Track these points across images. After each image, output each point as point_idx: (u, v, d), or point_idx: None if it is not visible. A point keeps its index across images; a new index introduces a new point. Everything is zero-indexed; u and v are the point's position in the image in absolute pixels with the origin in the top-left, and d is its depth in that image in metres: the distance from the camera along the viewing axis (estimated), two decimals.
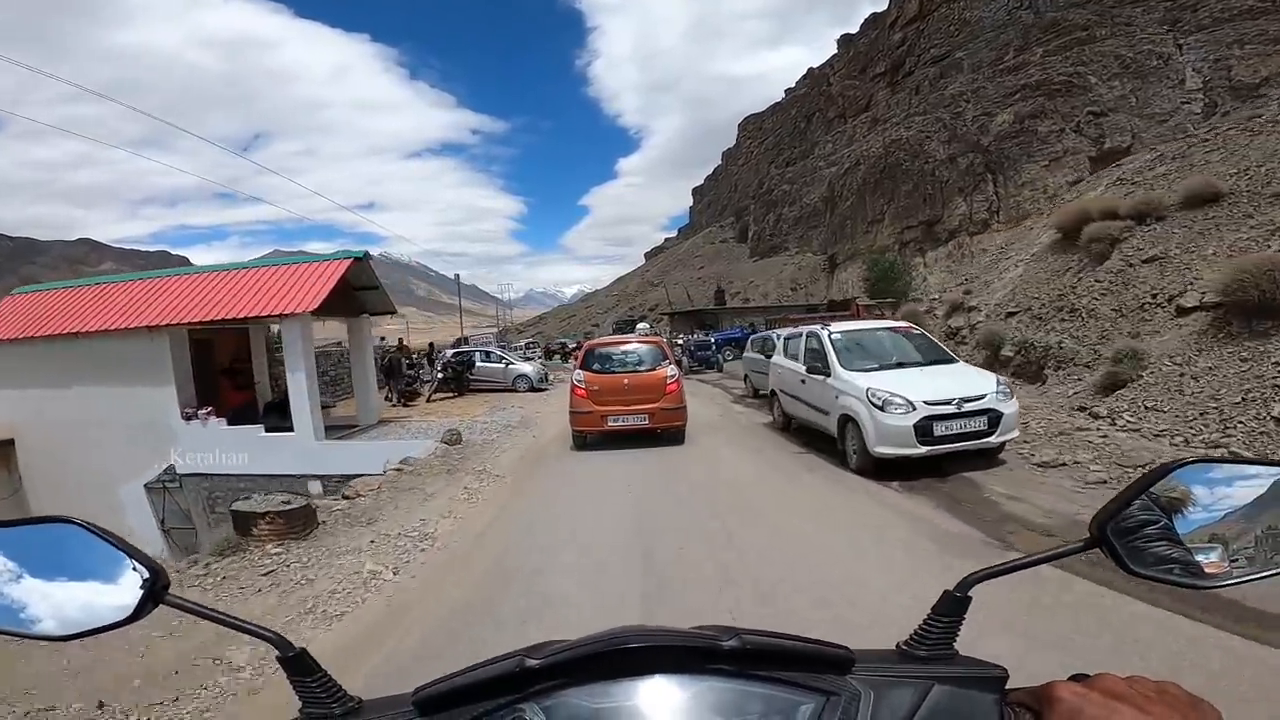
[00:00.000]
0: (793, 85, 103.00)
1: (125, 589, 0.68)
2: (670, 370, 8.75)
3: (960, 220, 37.14)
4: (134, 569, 0.68)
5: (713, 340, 26.68)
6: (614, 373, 8.80)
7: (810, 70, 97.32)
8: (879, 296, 35.00)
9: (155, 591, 0.67)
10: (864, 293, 40.28)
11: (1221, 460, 0.71)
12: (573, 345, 45.44)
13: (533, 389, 19.20)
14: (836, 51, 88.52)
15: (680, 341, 26.35)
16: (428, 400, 17.49)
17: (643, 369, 8.77)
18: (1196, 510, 0.67)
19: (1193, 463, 0.68)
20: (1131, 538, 0.65)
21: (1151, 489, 0.66)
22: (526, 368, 20.10)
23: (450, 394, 18.29)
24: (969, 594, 0.68)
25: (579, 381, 8.72)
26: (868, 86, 74.07)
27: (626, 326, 45.49)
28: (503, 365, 19.98)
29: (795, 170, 70.99)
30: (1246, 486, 0.68)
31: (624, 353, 9.24)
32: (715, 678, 0.60)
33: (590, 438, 8.72)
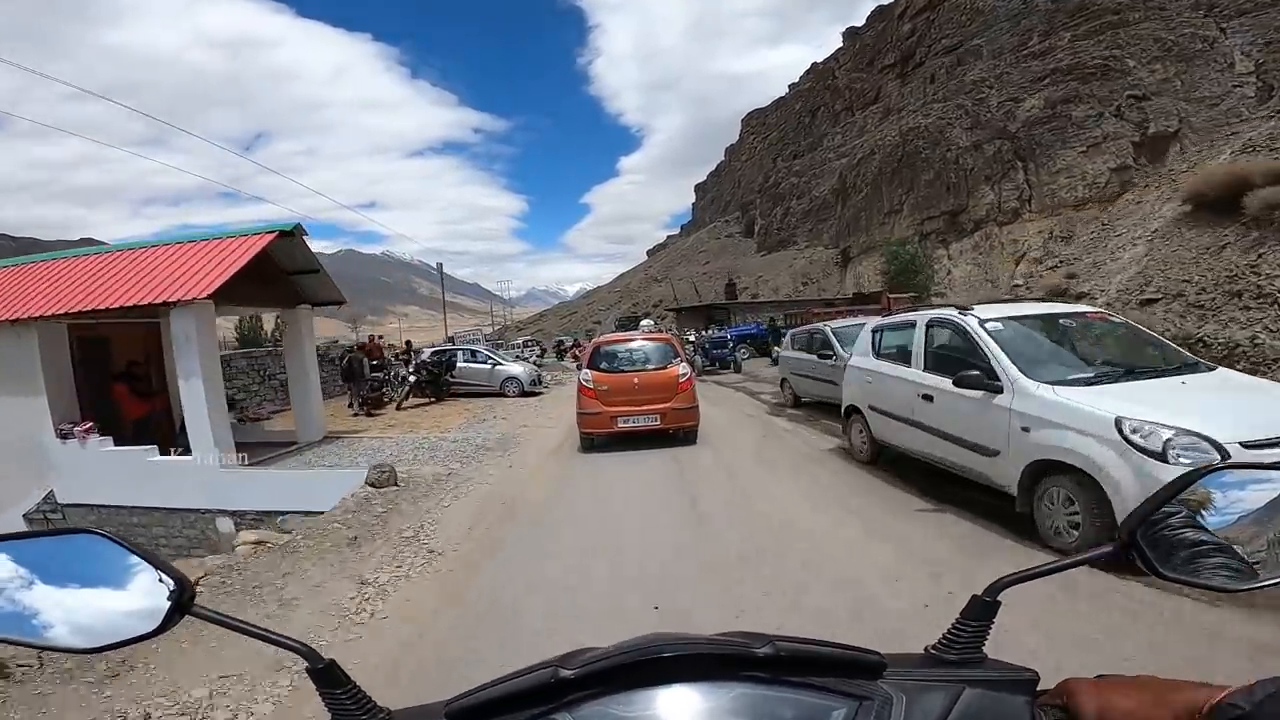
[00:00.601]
0: (796, 80, 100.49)
1: (152, 600, 0.66)
2: (682, 368, 8.13)
3: (988, 209, 33.99)
4: (160, 580, 0.66)
5: (729, 337, 23.70)
6: (623, 372, 8.19)
7: (814, 65, 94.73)
8: (899, 290, 32.25)
9: (182, 602, 0.66)
10: (883, 286, 37.57)
11: (1246, 465, 0.69)
12: (570, 343, 42.60)
13: (524, 393, 16.28)
14: (842, 45, 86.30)
15: (693, 339, 23.45)
16: (397, 408, 14.51)
17: (653, 367, 8.18)
18: (1222, 514, 0.65)
19: (1221, 468, 0.67)
20: (1161, 542, 0.64)
21: (1181, 494, 0.65)
22: (516, 369, 17.15)
23: (426, 400, 15.34)
24: (998, 599, 0.66)
25: (587, 381, 8.15)
26: (876, 78, 71.44)
27: (629, 323, 42.50)
28: (489, 367, 16.98)
29: (803, 163, 68.08)
30: (1259, 490, 0.66)
31: (632, 351, 8.53)
32: (747, 684, 0.59)
33: (598, 440, 8.07)
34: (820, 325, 10.83)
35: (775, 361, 19.68)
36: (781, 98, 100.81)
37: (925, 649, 0.67)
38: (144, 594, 0.66)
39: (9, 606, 0.65)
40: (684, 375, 8.01)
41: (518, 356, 24.35)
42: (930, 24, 61.00)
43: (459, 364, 16.79)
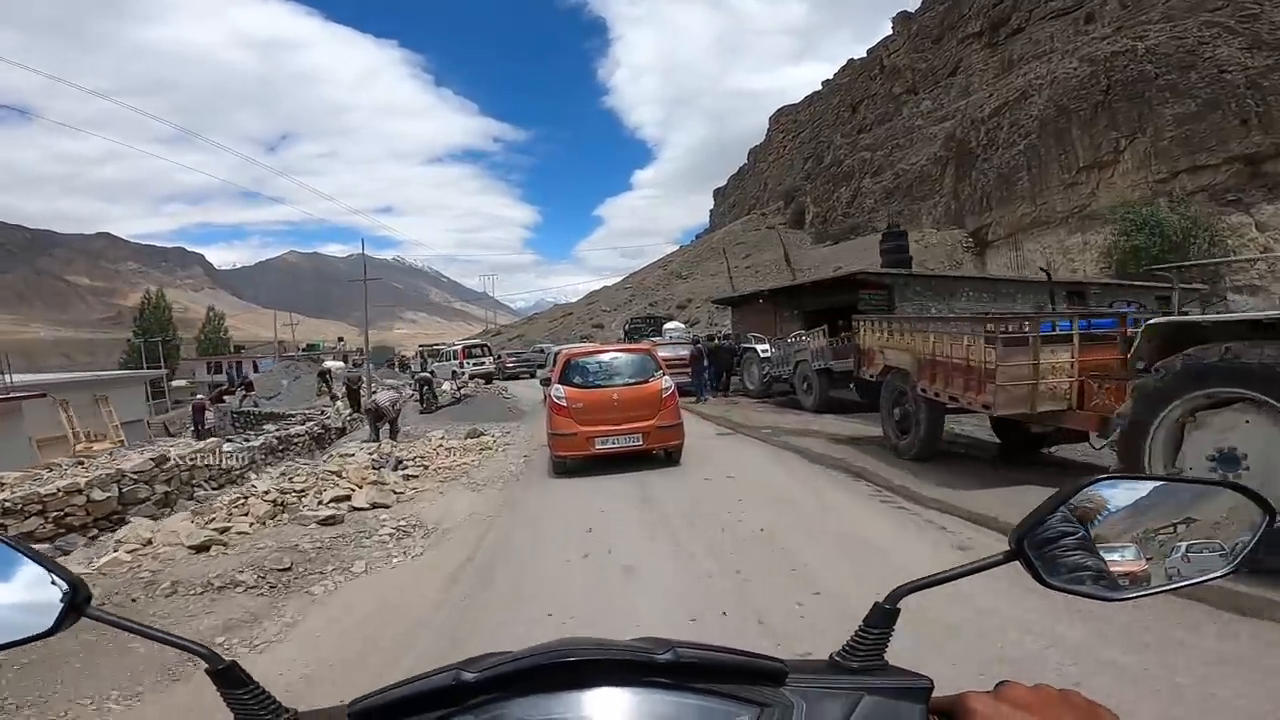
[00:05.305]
0: (830, 77, 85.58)
1: (44, 602, 0.60)
2: (665, 382, 6.97)
3: None
4: (53, 582, 0.61)
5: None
6: (600, 387, 7.03)
7: (851, 61, 79.94)
8: (1148, 274, 15.76)
9: (76, 604, 0.60)
10: (1104, 268, 21.84)
11: (1133, 476, 0.61)
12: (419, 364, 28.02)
13: None
14: (892, 32, 72.04)
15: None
16: None
17: (634, 382, 7.02)
18: (1109, 522, 0.62)
19: (1107, 478, 0.64)
20: (1048, 550, 0.60)
21: (1070, 501, 0.61)
22: None
23: None
24: (898, 606, 0.62)
25: (559, 398, 6.87)
26: (954, 51, 56.07)
27: (645, 327, 24.73)
28: None
29: (873, 137, 51.96)
30: (1145, 498, 0.63)
31: (603, 364, 7.30)
32: (653, 690, 0.54)
33: (571, 463, 6.86)
34: None
35: None
36: (815, 93, 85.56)
37: (830, 656, 0.62)
38: (37, 596, 0.60)
39: None
40: (667, 390, 6.91)
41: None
42: None
43: None
